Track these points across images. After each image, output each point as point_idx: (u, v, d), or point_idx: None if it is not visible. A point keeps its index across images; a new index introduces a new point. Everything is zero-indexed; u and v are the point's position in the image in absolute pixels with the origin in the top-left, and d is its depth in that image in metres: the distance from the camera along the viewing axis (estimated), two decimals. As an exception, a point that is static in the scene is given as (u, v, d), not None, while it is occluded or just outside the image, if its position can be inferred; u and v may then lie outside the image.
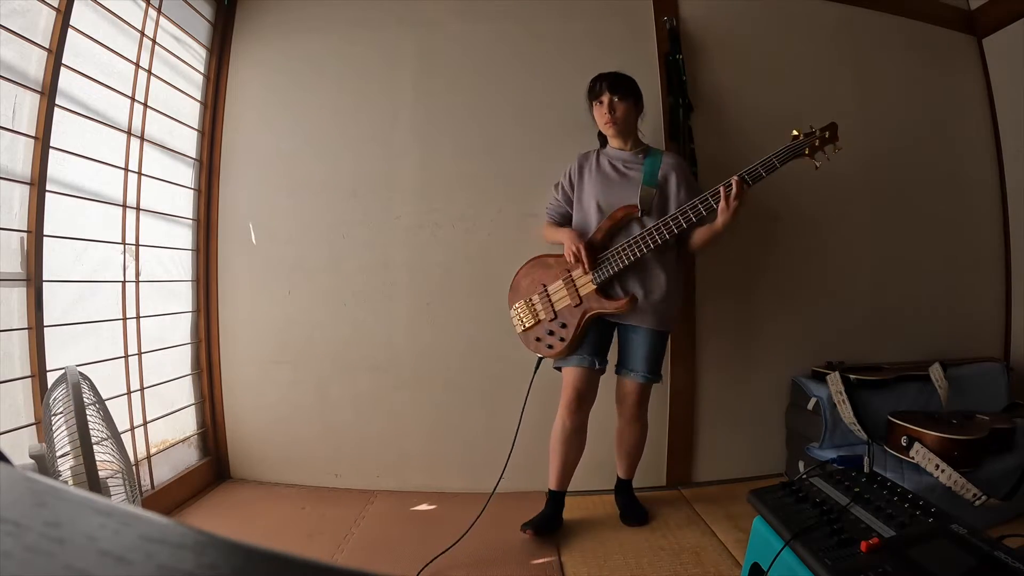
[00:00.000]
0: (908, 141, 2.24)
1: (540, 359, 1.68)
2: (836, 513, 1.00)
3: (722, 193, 1.49)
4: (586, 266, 1.56)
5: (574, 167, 1.74)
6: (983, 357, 2.15)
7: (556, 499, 1.71)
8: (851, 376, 1.86)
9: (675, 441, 2.04)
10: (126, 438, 1.64)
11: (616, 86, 1.64)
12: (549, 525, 1.66)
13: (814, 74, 2.15)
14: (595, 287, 1.58)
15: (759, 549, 1.07)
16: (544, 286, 1.65)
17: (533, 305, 1.66)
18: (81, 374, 1.17)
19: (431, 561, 1.47)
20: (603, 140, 1.76)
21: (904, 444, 1.62)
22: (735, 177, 1.49)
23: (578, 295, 1.60)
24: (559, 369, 1.67)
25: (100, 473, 1.08)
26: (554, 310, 1.63)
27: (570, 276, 1.61)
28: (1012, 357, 2.28)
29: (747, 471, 2.05)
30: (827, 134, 1.53)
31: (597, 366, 1.63)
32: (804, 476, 1.19)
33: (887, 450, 1.71)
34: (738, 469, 2.06)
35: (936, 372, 1.91)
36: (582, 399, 1.63)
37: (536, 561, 1.51)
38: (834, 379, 1.85)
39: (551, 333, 1.63)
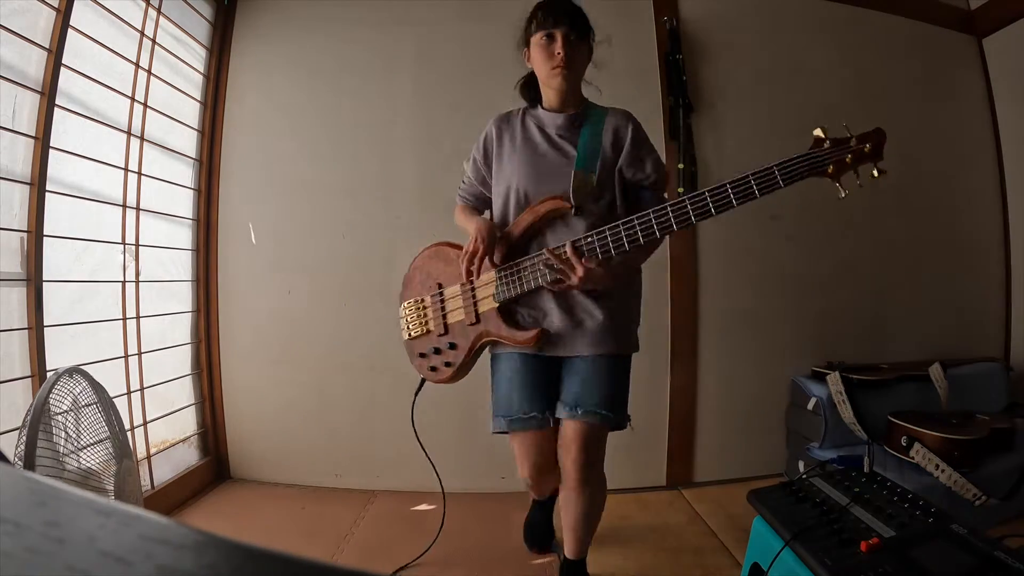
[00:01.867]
0: (908, 141, 2.23)
1: (423, 380, 1.35)
2: (836, 513, 1.00)
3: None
4: (474, 275, 1.18)
5: (491, 133, 1.28)
6: (983, 357, 2.15)
7: (542, 505, 1.54)
8: (851, 376, 1.86)
9: (675, 441, 2.04)
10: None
11: (576, 19, 1.16)
12: (546, 530, 1.56)
13: (814, 74, 2.15)
14: (496, 305, 1.18)
15: (759, 549, 1.07)
16: (440, 287, 1.27)
17: (424, 309, 1.29)
18: (83, 372, 1.17)
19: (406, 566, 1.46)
20: (532, 97, 1.29)
21: (904, 444, 1.62)
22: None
23: (475, 311, 1.20)
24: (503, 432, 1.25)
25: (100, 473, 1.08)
26: (445, 322, 1.25)
27: (471, 282, 1.21)
28: (1012, 357, 2.28)
29: (747, 471, 2.05)
30: (867, 147, 0.99)
31: (549, 424, 1.20)
32: (804, 476, 1.19)
33: (887, 450, 1.71)
34: (738, 469, 2.06)
35: (936, 372, 1.91)
36: (542, 472, 1.25)
37: (536, 561, 1.51)
38: (834, 379, 1.85)
39: (437, 352, 1.26)
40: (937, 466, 1.53)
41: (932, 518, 0.94)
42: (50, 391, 1.00)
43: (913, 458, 1.59)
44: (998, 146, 2.33)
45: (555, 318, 1.17)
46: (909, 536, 0.90)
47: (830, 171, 1.01)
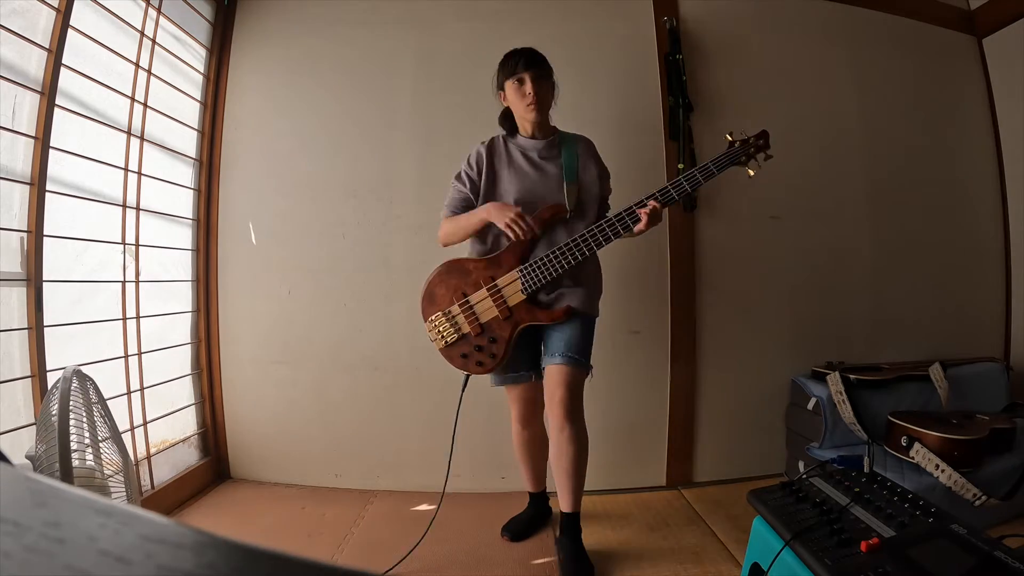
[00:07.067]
0: (908, 141, 2.24)
1: (467, 376, 1.55)
2: (836, 513, 1.00)
3: (648, 209, 1.38)
4: (535, 229, 1.42)
5: (481, 155, 1.53)
6: (983, 357, 2.15)
7: (535, 500, 1.73)
8: (851, 376, 1.86)
9: (675, 441, 2.04)
10: (126, 438, 1.63)
11: (539, 64, 1.46)
12: (529, 528, 1.67)
13: (814, 74, 2.16)
14: (524, 297, 1.43)
15: (759, 549, 1.07)
16: (464, 295, 1.47)
17: (453, 317, 1.47)
18: (82, 373, 1.17)
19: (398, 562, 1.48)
20: (509, 128, 1.58)
21: (904, 444, 1.62)
22: (670, 191, 1.41)
23: (506, 306, 1.44)
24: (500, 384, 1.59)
25: (104, 471, 1.08)
26: (480, 323, 1.45)
27: (495, 284, 1.44)
28: (1012, 357, 2.28)
29: (747, 471, 2.05)
30: (760, 142, 1.45)
31: (534, 379, 1.55)
32: (804, 476, 1.19)
33: (887, 450, 1.71)
34: (738, 469, 2.06)
35: (936, 372, 1.91)
36: (532, 411, 1.59)
37: (536, 561, 1.51)
38: (834, 379, 1.85)
39: (480, 349, 1.46)
40: (937, 466, 1.53)
41: (932, 518, 0.94)
42: (68, 390, 1.00)
43: (913, 458, 1.59)
44: (998, 146, 2.33)
45: (569, 295, 1.47)
46: (909, 536, 0.90)
47: (742, 160, 1.44)
